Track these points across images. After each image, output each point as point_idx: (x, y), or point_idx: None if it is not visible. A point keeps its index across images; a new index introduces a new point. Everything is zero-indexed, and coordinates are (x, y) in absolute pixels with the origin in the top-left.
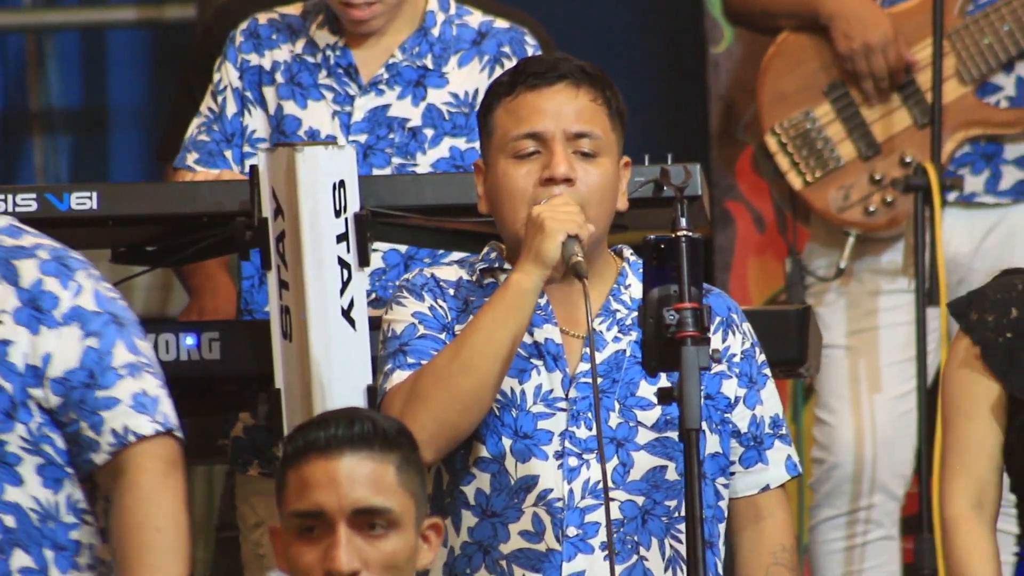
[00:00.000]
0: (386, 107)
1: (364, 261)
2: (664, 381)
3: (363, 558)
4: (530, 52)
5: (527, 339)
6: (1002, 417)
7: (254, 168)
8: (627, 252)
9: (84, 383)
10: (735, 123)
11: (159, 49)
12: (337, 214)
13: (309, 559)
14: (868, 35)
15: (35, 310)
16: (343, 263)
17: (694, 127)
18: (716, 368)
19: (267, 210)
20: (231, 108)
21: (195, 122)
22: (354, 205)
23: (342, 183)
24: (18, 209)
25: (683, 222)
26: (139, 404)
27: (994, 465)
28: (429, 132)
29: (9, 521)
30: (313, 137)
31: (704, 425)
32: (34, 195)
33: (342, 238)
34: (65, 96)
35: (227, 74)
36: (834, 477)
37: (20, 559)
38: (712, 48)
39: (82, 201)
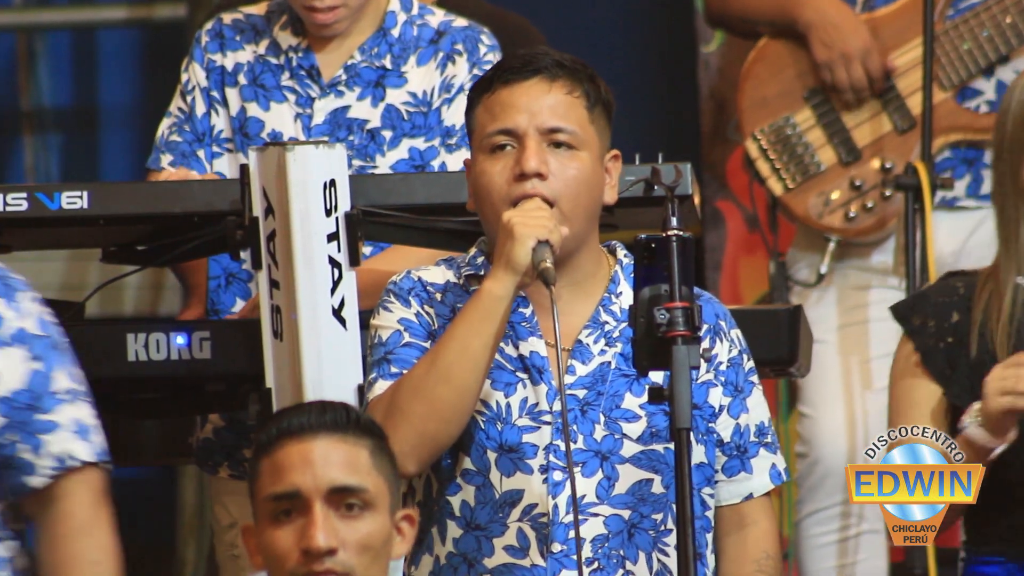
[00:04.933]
0: (346, 108)
1: (355, 260)
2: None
3: (340, 537)
4: (483, 50)
5: (512, 352)
6: (944, 423)
7: (244, 167)
8: (620, 252)
9: (28, 405)
10: (726, 122)
11: (150, 48)
12: (328, 213)
13: (285, 542)
14: (846, 44)
15: None
16: (334, 262)
17: (685, 126)
18: (703, 377)
19: (258, 209)
20: (200, 108)
21: (165, 122)
22: (344, 204)
23: (333, 182)
24: (8, 208)
25: (674, 221)
26: (80, 430)
27: None
28: (388, 134)
29: None
30: (276, 139)
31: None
32: (25, 194)
33: (333, 237)
34: (56, 95)
35: (195, 74)
36: (816, 472)
37: None
38: (703, 47)
39: (73, 200)
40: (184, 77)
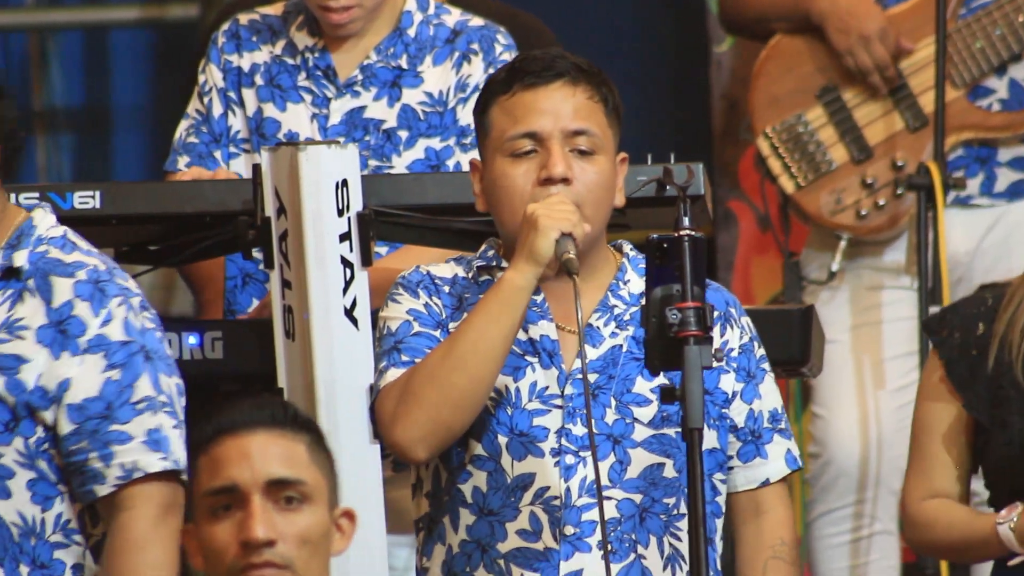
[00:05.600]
0: (362, 109)
1: (367, 260)
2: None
3: (278, 530)
4: (499, 50)
5: (522, 335)
6: (964, 435)
7: (257, 167)
8: (627, 247)
9: (100, 414)
10: (738, 122)
11: (162, 48)
12: (340, 213)
13: (224, 537)
14: (863, 27)
15: (60, 333)
16: (346, 262)
17: (697, 126)
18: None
19: (270, 209)
20: (217, 109)
21: (183, 124)
22: (357, 204)
23: (345, 182)
24: None
25: (686, 221)
26: (152, 441)
27: (960, 481)
28: (404, 134)
29: None
30: (292, 140)
31: None
32: (37, 194)
33: (345, 237)
34: (68, 95)
35: (211, 75)
36: (828, 472)
37: None
38: (715, 47)
39: (85, 200)
40: (201, 79)
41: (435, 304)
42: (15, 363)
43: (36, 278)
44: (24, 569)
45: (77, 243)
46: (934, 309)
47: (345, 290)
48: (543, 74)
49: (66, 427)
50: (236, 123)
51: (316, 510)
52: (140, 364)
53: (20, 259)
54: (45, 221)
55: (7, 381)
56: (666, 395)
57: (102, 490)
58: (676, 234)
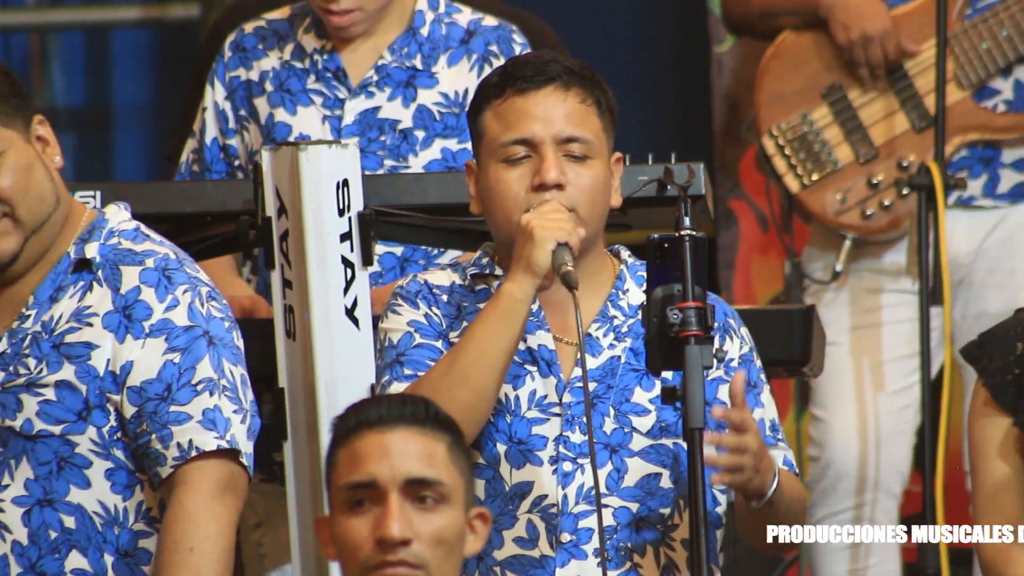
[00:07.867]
0: (377, 109)
1: (367, 260)
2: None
3: (414, 529)
4: (518, 50)
5: (521, 344)
6: (1014, 453)
7: (257, 167)
8: (624, 254)
9: (159, 396)
10: (739, 122)
11: (163, 48)
12: (341, 213)
13: (360, 532)
14: (866, 26)
15: (126, 318)
16: (346, 262)
17: (698, 126)
18: (713, 374)
19: (271, 209)
20: (209, 132)
21: (189, 145)
22: (357, 204)
23: (346, 182)
24: None
25: (687, 221)
26: (209, 421)
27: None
28: (420, 134)
29: (69, 522)
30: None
31: None
32: None
33: (345, 237)
34: (69, 95)
35: (211, 93)
36: (828, 475)
37: (75, 560)
38: (716, 47)
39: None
40: (206, 91)
41: (435, 314)
42: (85, 350)
43: (106, 268)
44: (108, 558)
45: (150, 235)
46: (935, 310)
47: (346, 290)
48: (535, 79)
49: (129, 410)
50: (249, 139)
51: (452, 511)
52: (202, 348)
53: (91, 251)
54: (118, 216)
55: (78, 369)
56: (667, 395)
57: (164, 471)
58: (677, 234)
